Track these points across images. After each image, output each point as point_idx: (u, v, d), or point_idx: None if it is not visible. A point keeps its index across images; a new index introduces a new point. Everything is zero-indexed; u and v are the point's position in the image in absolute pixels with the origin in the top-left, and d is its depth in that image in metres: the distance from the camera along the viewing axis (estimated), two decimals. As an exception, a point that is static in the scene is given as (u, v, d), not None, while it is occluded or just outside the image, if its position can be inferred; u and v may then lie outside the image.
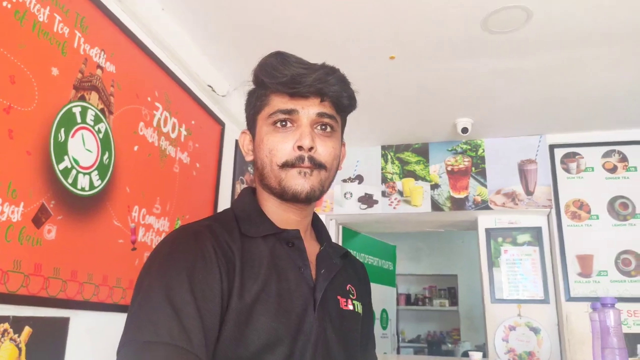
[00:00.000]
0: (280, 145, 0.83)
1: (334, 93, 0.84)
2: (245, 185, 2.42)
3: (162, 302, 0.67)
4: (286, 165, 0.83)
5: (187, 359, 0.64)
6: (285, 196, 0.84)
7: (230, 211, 0.89)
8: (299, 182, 0.82)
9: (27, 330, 1.21)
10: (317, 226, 0.98)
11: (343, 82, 0.86)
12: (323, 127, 0.85)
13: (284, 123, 0.84)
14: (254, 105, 0.89)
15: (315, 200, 0.87)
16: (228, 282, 0.73)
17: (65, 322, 1.36)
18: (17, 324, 1.19)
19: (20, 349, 1.19)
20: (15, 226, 1.19)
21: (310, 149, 0.82)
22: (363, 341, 0.95)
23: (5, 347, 1.15)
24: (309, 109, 0.83)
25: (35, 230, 1.25)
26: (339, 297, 0.87)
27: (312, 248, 0.90)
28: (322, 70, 0.83)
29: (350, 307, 0.89)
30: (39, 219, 1.26)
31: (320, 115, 0.84)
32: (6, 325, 1.15)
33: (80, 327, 1.41)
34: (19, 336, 1.19)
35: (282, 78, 0.82)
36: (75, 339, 1.38)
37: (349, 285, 0.93)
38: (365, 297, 0.99)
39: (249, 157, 0.92)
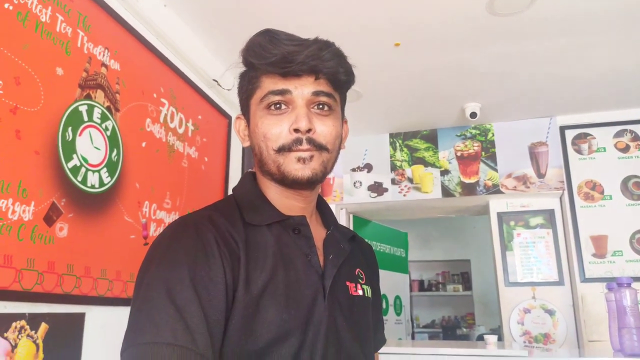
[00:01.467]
0: (274, 130, 0.78)
1: (329, 69, 0.78)
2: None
3: (164, 301, 0.64)
4: (283, 149, 0.78)
5: None
6: (286, 181, 0.80)
7: (231, 198, 0.85)
8: (298, 167, 0.78)
9: (43, 326, 1.24)
10: (322, 209, 0.94)
11: (339, 56, 0.80)
12: (320, 106, 0.80)
13: (277, 105, 0.79)
14: (246, 89, 0.84)
15: (319, 182, 0.83)
16: (232, 274, 0.70)
17: (80, 317, 1.38)
18: (34, 320, 1.21)
19: (37, 345, 1.21)
20: (27, 225, 1.21)
21: (309, 130, 0.77)
22: (372, 324, 0.92)
23: (22, 344, 1.17)
24: (303, 89, 0.78)
25: (47, 229, 1.27)
26: (347, 283, 0.84)
27: (318, 233, 0.86)
28: (315, 45, 0.77)
29: (360, 292, 0.87)
30: (50, 218, 1.28)
31: (316, 94, 0.78)
32: (23, 322, 1.18)
33: (96, 322, 1.43)
34: (35, 332, 1.21)
35: (271, 58, 0.76)
36: (92, 333, 1.41)
37: (357, 269, 0.90)
38: (374, 280, 0.97)
39: (245, 143, 0.87)
